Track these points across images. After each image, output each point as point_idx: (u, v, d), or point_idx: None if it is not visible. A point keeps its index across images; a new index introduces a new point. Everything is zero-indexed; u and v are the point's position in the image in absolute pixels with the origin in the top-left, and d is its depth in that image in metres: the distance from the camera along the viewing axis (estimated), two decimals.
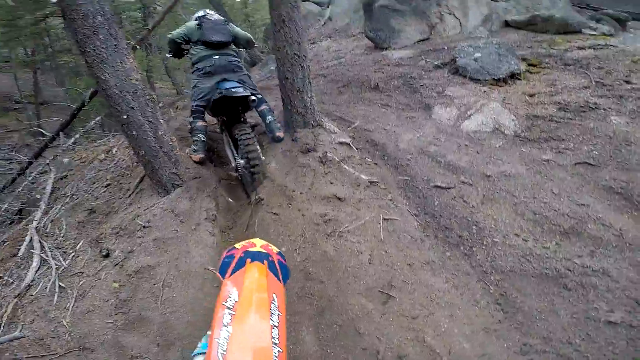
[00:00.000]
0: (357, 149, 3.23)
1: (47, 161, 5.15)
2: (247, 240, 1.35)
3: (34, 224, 3.35)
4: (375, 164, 3.05)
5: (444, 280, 2.09)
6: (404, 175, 2.94)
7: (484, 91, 3.75)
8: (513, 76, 3.88)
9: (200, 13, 3.53)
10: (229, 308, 1.00)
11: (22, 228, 3.76)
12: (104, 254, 2.69)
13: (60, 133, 4.70)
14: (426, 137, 3.32)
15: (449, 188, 2.73)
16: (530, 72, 3.93)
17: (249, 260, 1.20)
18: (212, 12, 3.57)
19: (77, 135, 5.24)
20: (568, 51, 4.16)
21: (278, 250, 1.34)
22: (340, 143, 3.25)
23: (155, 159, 2.75)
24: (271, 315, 1.01)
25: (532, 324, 1.88)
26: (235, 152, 3.24)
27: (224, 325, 0.95)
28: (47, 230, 3.24)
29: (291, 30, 3.08)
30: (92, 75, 2.54)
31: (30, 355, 2.15)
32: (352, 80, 4.72)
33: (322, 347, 1.88)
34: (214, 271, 2.55)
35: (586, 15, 5.76)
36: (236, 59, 3.32)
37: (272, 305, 1.04)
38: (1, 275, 2.84)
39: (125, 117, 2.57)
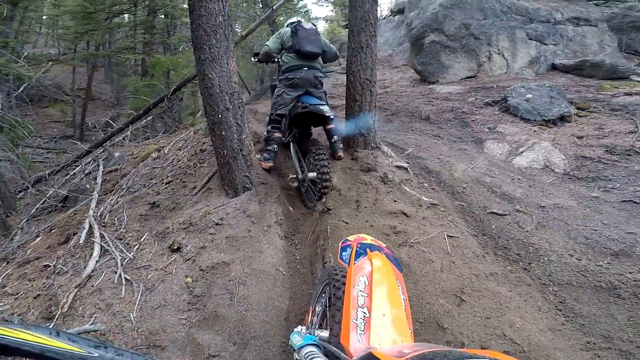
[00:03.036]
0: (413, 173, 3.63)
1: (97, 153, 5.55)
2: (355, 235, 1.54)
3: (91, 212, 3.48)
4: (433, 189, 3.43)
5: (508, 289, 2.42)
6: (461, 201, 3.30)
7: (535, 130, 4.19)
8: (563, 118, 4.33)
9: (294, 19, 3.76)
10: (361, 291, 1.17)
11: (70, 216, 4.02)
12: (174, 247, 2.76)
13: (130, 125, 5.13)
14: (480, 169, 3.70)
15: (504, 215, 3.09)
16: (579, 116, 4.39)
17: (368, 250, 1.36)
18: (305, 21, 3.78)
19: (128, 132, 5.70)
20: (615, 97, 4.62)
21: (386, 245, 1.52)
22: (398, 167, 3.64)
23: (235, 160, 3.08)
24: (401, 299, 1.18)
25: (593, 326, 2.20)
26: (303, 165, 3.51)
27: (359, 307, 1.12)
28: (105, 220, 3.38)
29: (367, 57, 3.53)
30: (200, 72, 2.85)
31: None
32: (400, 110, 5.20)
33: None
34: (284, 272, 2.73)
35: (634, 61, 6.28)
36: (321, 73, 3.58)
37: (399, 289, 1.22)
38: (50, 264, 2.79)
39: (219, 116, 2.90)
